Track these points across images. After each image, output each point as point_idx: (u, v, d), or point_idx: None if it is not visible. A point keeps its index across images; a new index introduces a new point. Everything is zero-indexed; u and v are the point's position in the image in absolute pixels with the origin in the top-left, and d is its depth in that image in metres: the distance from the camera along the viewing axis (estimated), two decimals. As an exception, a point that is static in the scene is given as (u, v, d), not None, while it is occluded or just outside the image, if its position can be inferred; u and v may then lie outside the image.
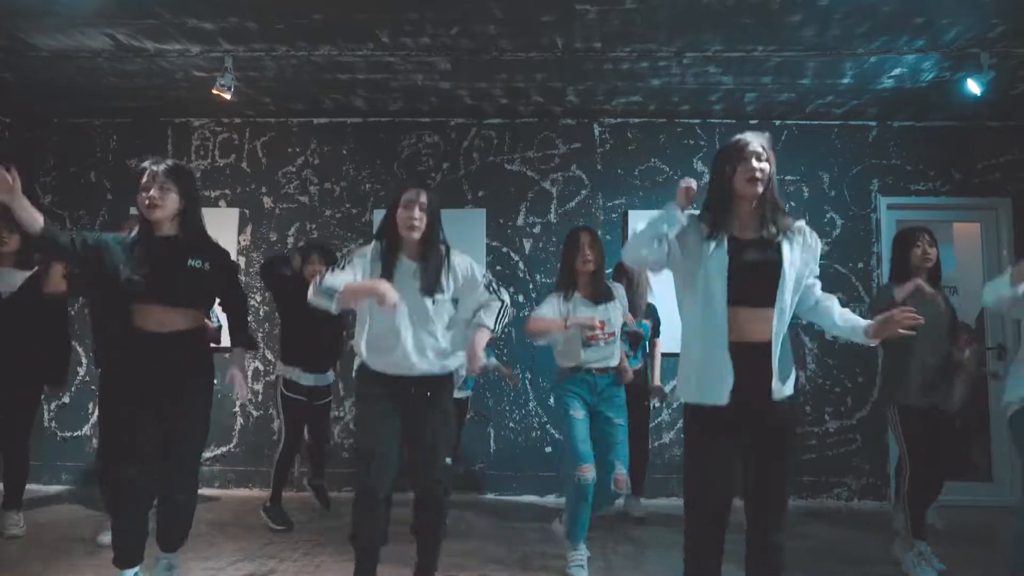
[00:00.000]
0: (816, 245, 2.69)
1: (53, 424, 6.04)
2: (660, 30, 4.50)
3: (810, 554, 4.26)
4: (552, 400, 5.39)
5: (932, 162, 6.04)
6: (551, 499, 5.70)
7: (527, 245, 6.10)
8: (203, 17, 4.41)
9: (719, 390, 2.49)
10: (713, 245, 2.57)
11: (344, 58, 4.97)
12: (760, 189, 2.58)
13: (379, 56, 4.93)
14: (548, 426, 5.90)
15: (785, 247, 2.58)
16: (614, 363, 3.92)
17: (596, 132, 6.17)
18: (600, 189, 6.13)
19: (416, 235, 3.02)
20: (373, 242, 3.16)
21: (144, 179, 3.14)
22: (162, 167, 3.15)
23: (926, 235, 4.05)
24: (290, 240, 6.14)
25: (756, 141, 2.64)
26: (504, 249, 6.09)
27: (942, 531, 4.58)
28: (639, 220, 5.62)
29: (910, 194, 6.05)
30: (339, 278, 2.93)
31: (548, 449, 5.89)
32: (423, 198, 3.04)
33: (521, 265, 6.08)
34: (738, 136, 2.68)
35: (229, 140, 6.28)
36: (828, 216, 6.02)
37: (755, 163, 2.58)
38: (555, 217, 6.11)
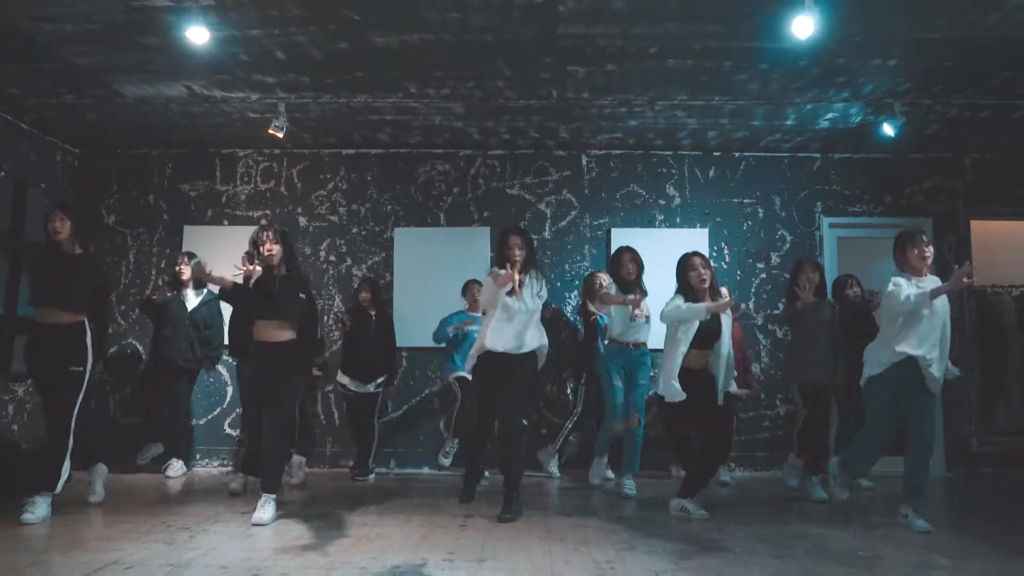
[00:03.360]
0: None
1: (117, 412, 7.02)
2: (636, 85, 5.60)
3: (766, 509, 5.36)
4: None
5: (867, 188, 7.18)
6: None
7: (525, 258, 7.17)
8: (268, 73, 5.46)
9: None
10: None
11: (376, 104, 6.04)
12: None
13: (406, 103, 6.01)
14: (543, 410, 6.93)
15: None
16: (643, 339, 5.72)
17: (584, 162, 7.26)
18: (587, 210, 7.21)
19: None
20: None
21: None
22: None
23: (809, 264, 5.63)
24: (322, 253, 7.18)
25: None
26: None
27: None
28: (621, 237, 6.76)
29: (848, 215, 7.18)
30: None
31: (544, 431, 6.91)
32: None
33: (520, 275, 7.14)
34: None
35: (269, 168, 7.32)
36: (779, 233, 7.13)
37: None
38: (549, 234, 7.17)
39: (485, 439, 5.21)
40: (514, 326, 4.81)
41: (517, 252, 4.83)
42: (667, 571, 3.46)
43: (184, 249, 6.95)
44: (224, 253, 6.90)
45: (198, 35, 4.50)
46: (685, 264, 4.82)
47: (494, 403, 4.92)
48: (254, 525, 4.35)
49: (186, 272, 6.36)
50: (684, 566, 3.56)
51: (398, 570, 3.43)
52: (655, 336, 5.96)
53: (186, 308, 6.39)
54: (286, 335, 4.68)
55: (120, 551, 3.71)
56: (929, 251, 4.55)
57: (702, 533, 4.31)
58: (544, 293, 4.94)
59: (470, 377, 5.98)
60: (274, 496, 4.55)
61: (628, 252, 5.72)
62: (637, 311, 5.55)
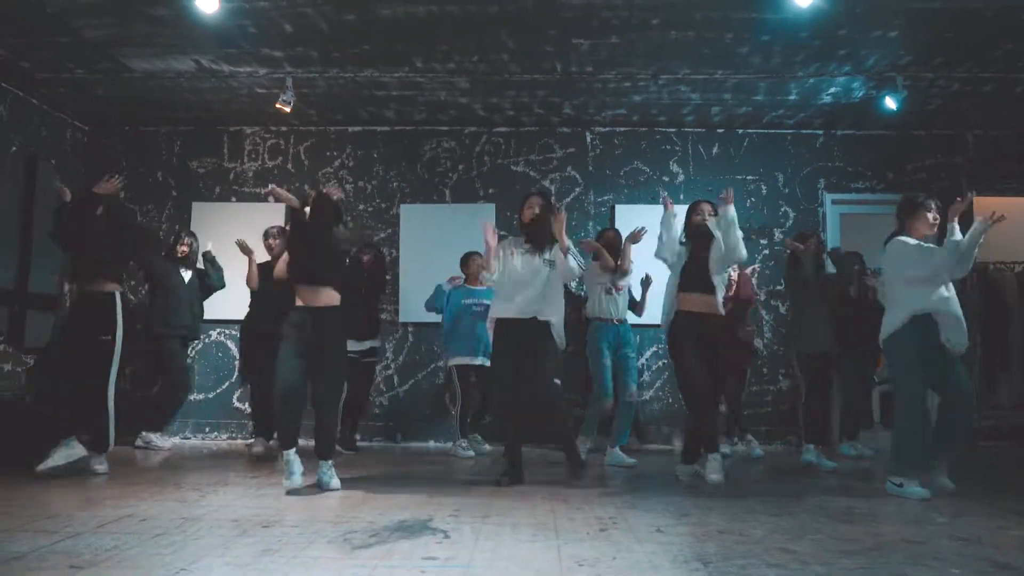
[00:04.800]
0: None
1: (128, 385, 7.10)
2: (639, 58, 5.65)
3: (771, 475, 5.42)
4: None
5: (869, 164, 7.22)
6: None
7: (530, 234, 7.22)
8: (275, 47, 5.52)
9: None
10: None
11: (383, 78, 6.10)
12: None
13: (411, 77, 6.06)
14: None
15: None
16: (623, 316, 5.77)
17: (588, 139, 7.31)
18: (591, 187, 7.27)
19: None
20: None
21: None
22: None
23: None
24: (329, 230, 7.24)
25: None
26: (510, 237, 7.18)
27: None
28: (625, 213, 6.82)
29: (851, 191, 7.22)
30: None
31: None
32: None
33: (525, 251, 7.20)
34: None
35: (276, 145, 7.39)
36: (783, 209, 7.18)
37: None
38: (553, 211, 7.23)
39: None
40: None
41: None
42: (668, 525, 3.53)
43: (192, 226, 7.04)
44: (232, 230, 7.01)
45: (207, 4, 4.56)
46: (692, 208, 5.01)
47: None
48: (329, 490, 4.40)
49: (185, 250, 6.45)
50: (684, 521, 3.63)
51: (405, 523, 3.50)
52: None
53: (183, 279, 6.46)
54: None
55: (133, 507, 3.79)
56: (937, 217, 4.55)
57: (703, 494, 4.38)
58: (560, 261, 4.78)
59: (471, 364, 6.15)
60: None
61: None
62: (617, 285, 5.73)
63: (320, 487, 4.41)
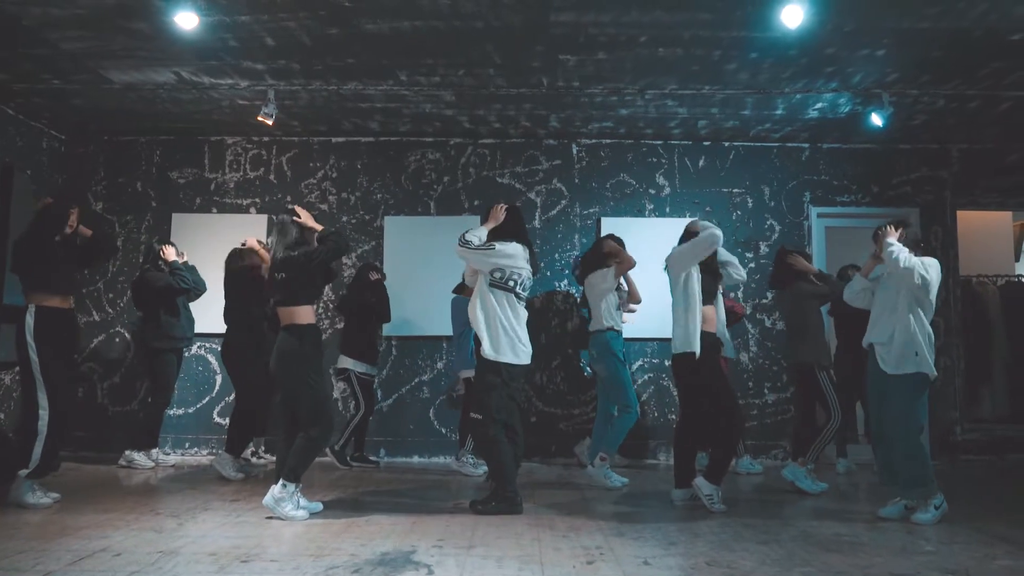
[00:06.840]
0: None
1: (105, 400, 6.99)
2: (626, 74, 5.60)
3: (755, 494, 5.38)
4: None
5: (855, 178, 7.21)
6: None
7: (515, 247, 7.16)
8: (257, 59, 5.43)
9: None
10: None
11: (367, 91, 6.01)
12: None
13: (396, 90, 5.99)
14: (533, 398, 6.95)
15: None
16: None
17: (574, 151, 7.26)
18: (577, 199, 7.21)
19: None
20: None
21: None
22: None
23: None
24: (311, 242, 7.14)
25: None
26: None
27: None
28: (611, 226, 6.76)
29: (836, 205, 7.21)
30: None
31: (533, 419, 6.92)
32: None
33: (510, 264, 7.13)
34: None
35: (258, 156, 7.28)
36: (768, 223, 7.16)
37: None
38: (539, 223, 7.17)
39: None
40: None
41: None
42: (656, 556, 3.48)
43: (172, 237, 6.91)
44: (213, 241, 6.90)
45: (186, 20, 4.48)
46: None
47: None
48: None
49: (170, 254, 6.20)
50: (672, 551, 3.59)
51: (387, 556, 3.43)
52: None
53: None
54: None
55: (108, 539, 3.70)
56: (873, 247, 4.65)
57: (690, 520, 4.34)
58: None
59: None
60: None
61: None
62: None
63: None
